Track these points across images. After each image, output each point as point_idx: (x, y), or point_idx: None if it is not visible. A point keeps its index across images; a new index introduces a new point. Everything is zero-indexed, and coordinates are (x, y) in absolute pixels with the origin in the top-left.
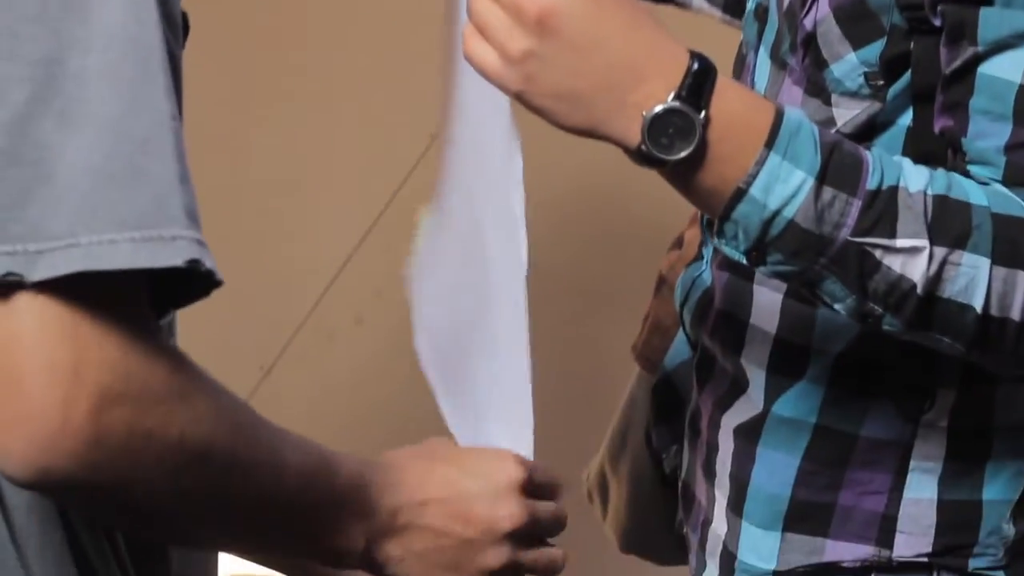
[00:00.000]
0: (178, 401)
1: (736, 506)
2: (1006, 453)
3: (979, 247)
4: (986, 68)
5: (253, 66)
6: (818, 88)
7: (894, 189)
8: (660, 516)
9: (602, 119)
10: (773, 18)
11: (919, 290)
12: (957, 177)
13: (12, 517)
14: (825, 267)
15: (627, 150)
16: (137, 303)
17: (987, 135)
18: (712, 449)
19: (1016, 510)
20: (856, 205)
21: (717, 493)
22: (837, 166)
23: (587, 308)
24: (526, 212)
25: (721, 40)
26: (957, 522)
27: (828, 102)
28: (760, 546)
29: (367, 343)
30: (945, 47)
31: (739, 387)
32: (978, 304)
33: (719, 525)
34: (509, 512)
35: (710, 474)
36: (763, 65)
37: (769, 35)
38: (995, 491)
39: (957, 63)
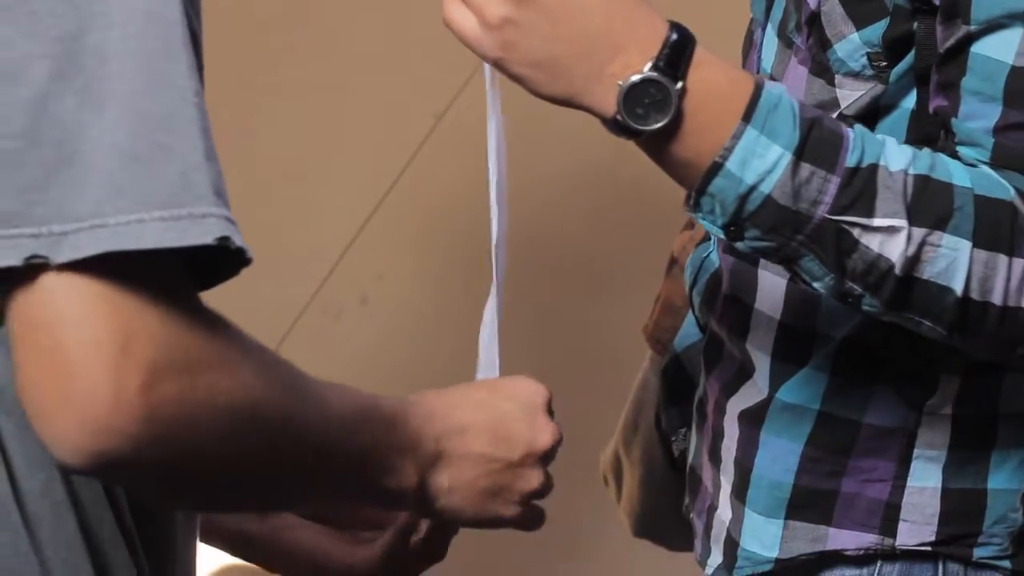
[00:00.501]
0: (224, 368)
1: (740, 493)
2: (1012, 442)
3: (960, 229)
4: (978, 48)
5: (257, 47)
6: (822, 68)
7: (874, 167)
8: (671, 501)
9: (579, 88)
10: None
11: (897, 270)
12: (941, 157)
13: (25, 502)
14: (803, 244)
15: (604, 120)
16: (173, 276)
17: (977, 116)
18: (718, 435)
19: None
20: (834, 182)
21: (722, 479)
22: (816, 142)
23: (602, 288)
24: (537, 192)
25: (734, 16)
26: (961, 511)
27: (832, 83)
28: (763, 534)
29: (372, 323)
30: (940, 25)
31: (745, 373)
32: (958, 287)
33: (724, 511)
34: (548, 431)
35: (715, 460)
36: (770, 43)
37: (777, 12)
38: (1001, 480)
39: (951, 42)
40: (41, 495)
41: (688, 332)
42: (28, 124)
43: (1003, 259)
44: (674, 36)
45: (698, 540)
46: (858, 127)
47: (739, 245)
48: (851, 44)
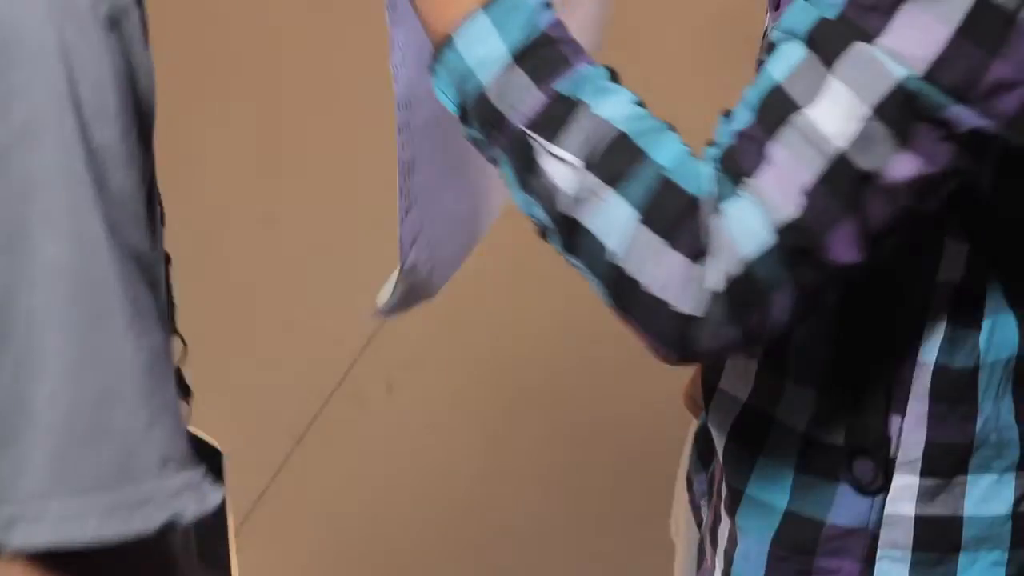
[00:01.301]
0: None
1: None
2: (980, 542)
3: (630, 196)
4: (769, 59)
5: (280, 133)
6: None
7: (581, 103)
8: None
9: None
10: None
11: (564, 207)
12: (666, 134)
13: None
14: (504, 148)
15: None
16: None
17: (735, 120)
18: (718, 517)
19: None
20: (537, 97)
21: (717, 563)
22: (540, 57)
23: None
24: None
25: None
26: None
27: None
28: None
29: (397, 410)
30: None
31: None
32: (610, 247)
33: None
34: None
35: (714, 542)
36: None
37: None
38: None
39: (764, 47)
40: None
41: None
42: None
43: (660, 243)
44: None
45: None
46: (604, 72)
47: (462, 131)
48: None
